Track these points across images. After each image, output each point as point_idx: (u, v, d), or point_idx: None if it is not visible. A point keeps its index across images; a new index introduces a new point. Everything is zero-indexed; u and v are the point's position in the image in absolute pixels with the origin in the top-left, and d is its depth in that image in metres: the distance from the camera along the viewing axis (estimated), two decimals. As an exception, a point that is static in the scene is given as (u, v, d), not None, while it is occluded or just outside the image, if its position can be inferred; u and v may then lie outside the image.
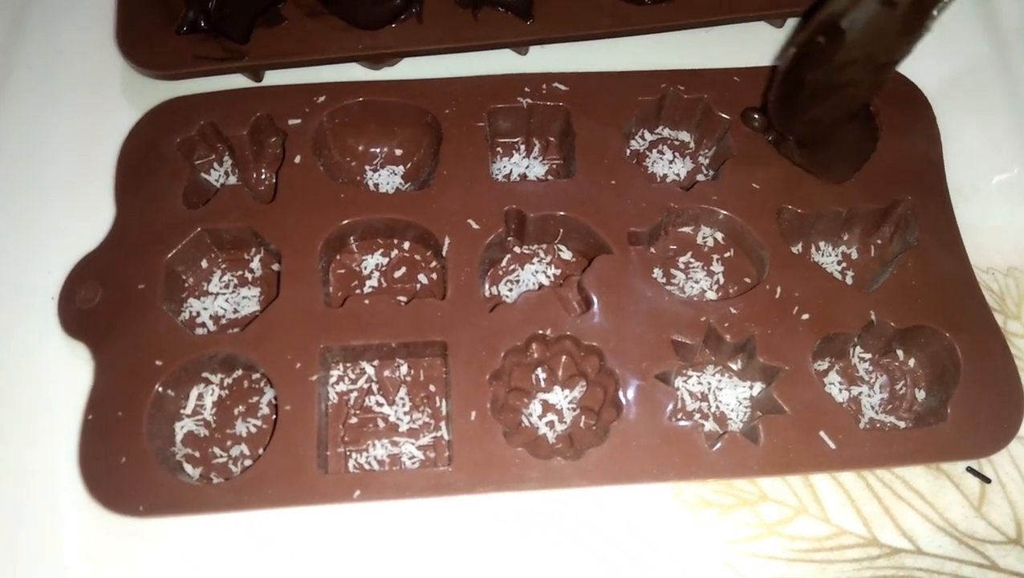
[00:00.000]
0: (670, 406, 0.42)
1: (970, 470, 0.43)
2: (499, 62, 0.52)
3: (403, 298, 0.46)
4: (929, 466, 0.43)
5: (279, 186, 0.47)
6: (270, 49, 0.50)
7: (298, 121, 0.48)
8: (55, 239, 0.47)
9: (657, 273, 0.47)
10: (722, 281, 0.48)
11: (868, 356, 0.46)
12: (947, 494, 0.43)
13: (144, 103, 0.49)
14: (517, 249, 0.49)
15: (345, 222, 0.46)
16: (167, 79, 0.51)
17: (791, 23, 0.54)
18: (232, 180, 0.50)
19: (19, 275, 0.47)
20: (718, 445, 0.41)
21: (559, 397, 0.44)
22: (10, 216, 0.49)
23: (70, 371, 0.44)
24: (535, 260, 0.48)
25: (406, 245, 0.48)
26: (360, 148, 0.50)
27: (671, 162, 0.51)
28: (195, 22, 0.50)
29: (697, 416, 0.44)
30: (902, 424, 0.44)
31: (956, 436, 0.42)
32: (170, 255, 0.45)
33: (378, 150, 0.51)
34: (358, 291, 0.47)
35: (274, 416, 0.43)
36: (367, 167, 0.50)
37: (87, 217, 0.47)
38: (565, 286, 0.46)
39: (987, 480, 0.43)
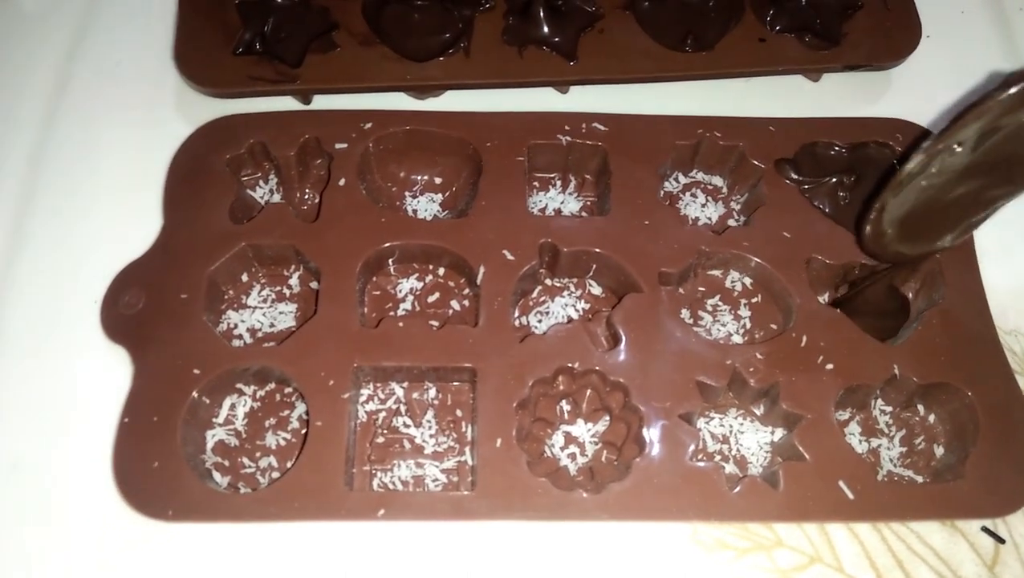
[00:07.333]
0: (692, 446, 0.43)
1: (985, 529, 0.44)
2: (541, 99, 0.54)
3: (435, 323, 0.47)
4: (944, 522, 0.44)
5: (322, 207, 0.48)
6: (321, 74, 0.52)
7: (344, 145, 0.49)
8: (103, 245, 0.49)
9: (685, 314, 0.48)
10: (749, 326, 0.48)
11: (889, 409, 0.46)
12: (961, 552, 0.43)
13: (196, 119, 0.51)
14: (548, 282, 0.50)
15: (384, 245, 0.47)
16: (220, 97, 0.52)
17: (827, 78, 0.56)
18: (276, 198, 0.51)
19: (66, 278, 0.48)
20: (738, 488, 0.42)
21: (582, 430, 0.45)
22: (60, 219, 0.50)
23: (109, 374, 0.45)
24: (565, 293, 0.49)
25: (441, 271, 0.49)
26: (402, 174, 0.52)
27: (703, 206, 0.52)
28: (251, 44, 0.52)
29: (718, 458, 0.45)
30: (920, 479, 0.45)
31: (973, 494, 0.42)
32: (213, 267, 0.46)
33: (419, 177, 0.52)
34: (392, 313, 0.48)
35: (304, 430, 0.44)
36: (407, 193, 0.52)
37: (135, 225, 0.48)
38: (594, 321, 0.47)
39: (1001, 540, 0.43)
